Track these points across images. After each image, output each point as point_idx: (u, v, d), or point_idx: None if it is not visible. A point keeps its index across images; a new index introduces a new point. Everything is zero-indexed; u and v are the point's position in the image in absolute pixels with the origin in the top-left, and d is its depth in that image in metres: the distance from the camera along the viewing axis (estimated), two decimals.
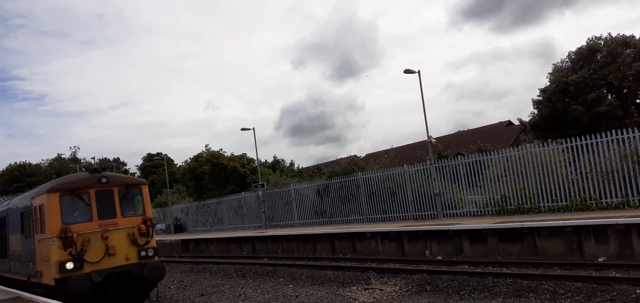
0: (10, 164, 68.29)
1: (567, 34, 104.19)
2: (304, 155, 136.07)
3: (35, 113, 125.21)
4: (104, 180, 12.26)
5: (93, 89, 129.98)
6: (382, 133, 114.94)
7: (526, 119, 35.41)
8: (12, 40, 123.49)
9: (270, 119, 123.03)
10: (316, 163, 60.89)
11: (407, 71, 22.99)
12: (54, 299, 11.32)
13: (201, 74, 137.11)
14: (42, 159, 72.02)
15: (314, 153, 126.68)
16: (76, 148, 72.55)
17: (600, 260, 12.19)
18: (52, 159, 70.06)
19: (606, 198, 15.81)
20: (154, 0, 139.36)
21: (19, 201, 14.99)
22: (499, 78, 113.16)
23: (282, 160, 59.54)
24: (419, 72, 22.91)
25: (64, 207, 11.63)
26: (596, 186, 16.10)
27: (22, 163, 68.29)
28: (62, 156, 70.54)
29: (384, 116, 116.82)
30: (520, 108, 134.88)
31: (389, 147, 54.96)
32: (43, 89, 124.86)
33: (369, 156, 49.78)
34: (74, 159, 66.71)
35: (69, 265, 11.16)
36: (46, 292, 12.02)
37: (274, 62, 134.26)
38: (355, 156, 35.71)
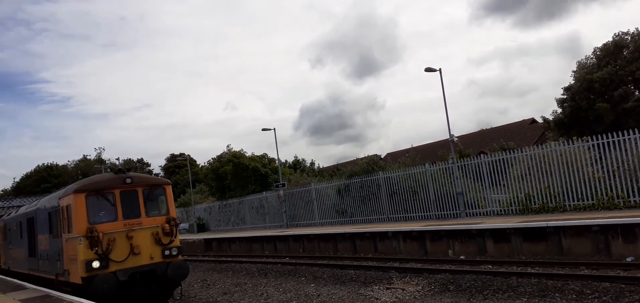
0: (38, 165, 70.14)
1: (594, 29, 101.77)
2: (323, 155, 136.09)
3: (61, 115, 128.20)
4: (128, 181, 12.46)
5: (116, 91, 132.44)
6: (404, 132, 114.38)
7: (550, 117, 34.80)
8: (37, 44, 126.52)
9: (289, 119, 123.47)
10: (336, 163, 60.81)
11: (428, 69, 22.81)
12: (81, 297, 11.56)
13: (221, 75, 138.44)
14: (68, 161, 73.84)
15: (334, 153, 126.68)
16: (101, 149, 74.06)
17: (629, 259, 11.92)
18: (78, 161, 71.68)
19: (634, 196, 15.44)
20: (174, 3, 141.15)
21: (46, 201, 15.33)
22: (523, 75, 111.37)
23: (303, 160, 59.68)
24: (440, 70, 22.72)
25: (90, 207, 11.85)
26: (624, 184, 15.74)
27: (49, 164, 70.00)
28: (88, 157, 72.08)
29: (405, 114, 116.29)
30: (546, 106, 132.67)
31: (410, 146, 54.54)
32: (68, 91, 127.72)
33: (389, 156, 49.57)
34: (99, 160, 68.05)
35: (95, 264, 11.38)
36: (74, 290, 12.28)
37: (292, 62, 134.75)
38: (375, 155, 35.59)
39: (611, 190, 16.02)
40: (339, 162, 60.11)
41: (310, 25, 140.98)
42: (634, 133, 15.55)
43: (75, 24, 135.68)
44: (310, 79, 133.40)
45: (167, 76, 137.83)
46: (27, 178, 69.09)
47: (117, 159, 70.20)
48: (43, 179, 64.35)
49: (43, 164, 69.95)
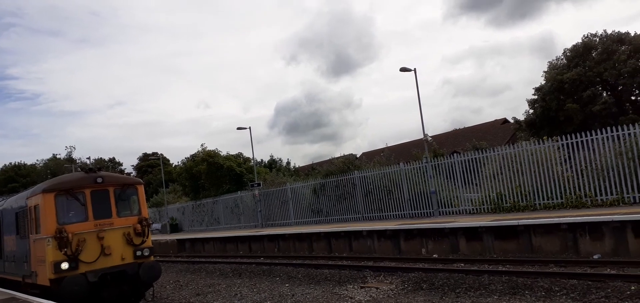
0: (5, 164, 68.20)
1: (567, 28, 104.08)
2: (299, 154, 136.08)
3: (30, 113, 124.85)
4: (99, 180, 12.22)
5: (88, 88, 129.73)
6: (380, 131, 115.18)
7: (521, 117, 35.54)
8: (4, 39, 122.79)
9: (264, 117, 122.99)
10: (311, 162, 60.86)
11: (403, 69, 23.00)
12: (49, 299, 11.28)
13: (195, 72, 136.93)
14: (37, 160, 72.01)
15: (309, 152, 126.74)
16: (72, 148, 72.52)
17: (596, 257, 12.23)
18: (48, 160, 70.06)
19: (601, 195, 15.86)
20: None
21: (13, 201, 14.93)
22: (496, 74, 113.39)
23: (279, 159, 59.53)
24: (415, 70, 22.93)
25: (59, 207, 11.58)
26: (591, 183, 16.14)
27: (17, 163, 68.13)
28: (58, 156, 70.50)
29: (381, 113, 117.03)
30: (518, 105, 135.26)
31: (385, 145, 54.92)
32: (37, 88, 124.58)
33: (365, 155, 49.82)
34: (70, 159, 66.64)
35: (64, 265, 11.13)
36: (41, 292, 11.98)
37: (267, 59, 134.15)
38: (351, 154, 35.75)
39: (579, 189, 16.41)
40: (315, 161, 60.28)
41: (285, 21, 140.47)
42: (602, 133, 15.96)
43: (45, 18, 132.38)
44: (285, 76, 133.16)
45: (141, 73, 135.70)
46: None
47: (88, 158, 68.85)
48: (10, 179, 62.54)
49: (10, 163, 68.10)
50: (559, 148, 17.22)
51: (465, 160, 20.03)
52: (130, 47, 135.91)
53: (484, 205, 19.07)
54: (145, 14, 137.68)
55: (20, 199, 13.89)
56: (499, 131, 44.95)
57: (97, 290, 11.39)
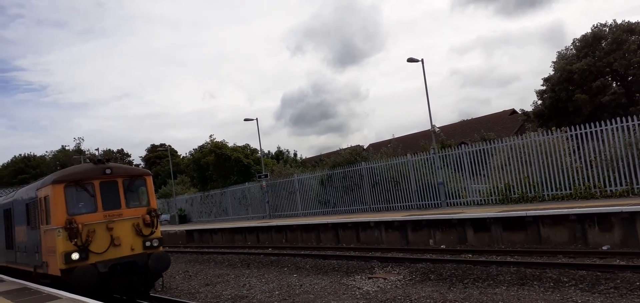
0: (15, 156, 68.84)
1: (577, 18, 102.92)
2: (305, 145, 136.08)
3: (38, 104, 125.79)
4: (108, 171, 12.30)
5: (94, 79, 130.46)
6: (387, 122, 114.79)
7: (529, 108, 35.33)
8: (11, 30, 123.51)
9: (270, 108, 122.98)
10: (318, 153, 60.84)
11: (411, 60, 22.88)
12: (60, 289, 11.41)
13: (200, 63, 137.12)
14: (46, 151, 72.68)
15: (316, 143, 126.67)
16: (80, 140, 72.97)
17: (605, 248, 12.19)
18: (57, 151, 70.55)
19: (610, 186, 15.77)
20: None
21: (24, 192, 15.07)
22: (505, 64, 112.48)
23: (286, 151, 59.57)
24: (422, 60, 22.80)
25: (68, 198, 11.68)
26: (600, 174, 16.05)
27: (26, 154, 68.76)
28: (66, 148, 70.99)
29: (388, 104, 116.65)
30: (527, 95, 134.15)
31: (392, 136, 54.76)
32: (44, 79, 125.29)
33: (372, 146, 49.74)
34: (78, 151, 67.08)
35: (75, 256, 11.24)
36: (52, 282, 12.12)
37: (273, 50, 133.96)
38: (358, 146, 35.68)
39: (588, 180, 16.32)
40: (322, 152, 60.19)
41: (290, 11, 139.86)
42: (611, 124, 15.84)
43: (51, 10, 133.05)
44: (291, 67, 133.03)
45: (146, 65, 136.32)
46: (3, 169, 67.81)
47: (97, 149, 69.16)
48: (20, 170, 63.18)
49: (20, 154, 68.76)
50: (567, 139, 17.11)
51: (473, 151, 19.96)
52: (135, 38, 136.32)
53: (491, 196, 19.01)
54: (150, 5, 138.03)
55: (31, 190, 14.02)
56: (507, 122, 44.67)
57: (107, 281, 11.50)
